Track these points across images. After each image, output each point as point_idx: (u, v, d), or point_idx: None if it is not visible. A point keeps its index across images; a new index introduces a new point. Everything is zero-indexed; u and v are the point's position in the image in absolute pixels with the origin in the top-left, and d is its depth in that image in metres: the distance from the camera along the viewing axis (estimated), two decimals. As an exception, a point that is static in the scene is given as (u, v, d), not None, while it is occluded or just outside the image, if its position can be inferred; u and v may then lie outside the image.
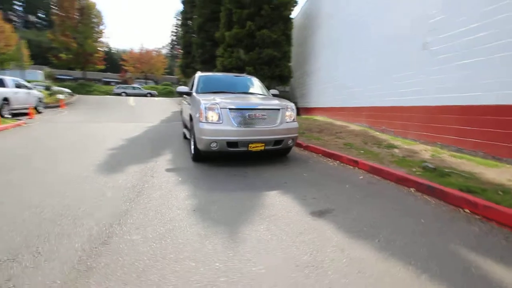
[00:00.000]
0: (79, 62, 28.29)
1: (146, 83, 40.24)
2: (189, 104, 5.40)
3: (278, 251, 1.88)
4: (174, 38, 69.60)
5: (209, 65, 14.96)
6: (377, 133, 6.85)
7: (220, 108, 4.00)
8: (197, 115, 4.15)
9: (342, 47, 9.04)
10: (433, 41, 5.21)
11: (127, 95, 26.59)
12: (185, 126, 6.56)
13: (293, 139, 4.45)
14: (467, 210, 2.57)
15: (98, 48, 29.68)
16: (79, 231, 2.10)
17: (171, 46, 68.76)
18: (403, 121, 6.08)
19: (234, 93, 5.11)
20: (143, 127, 9.03)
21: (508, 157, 3.76)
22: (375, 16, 7.19)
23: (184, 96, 6.47)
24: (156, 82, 42.00)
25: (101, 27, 29.21)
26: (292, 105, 4.52)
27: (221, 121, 3.98)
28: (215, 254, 1.83)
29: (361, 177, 3.74)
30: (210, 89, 5.13)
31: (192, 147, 4.64)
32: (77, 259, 1.75)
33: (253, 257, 1.80)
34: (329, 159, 4.83)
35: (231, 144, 3.99)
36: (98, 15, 28.45)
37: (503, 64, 3.90)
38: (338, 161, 4.65)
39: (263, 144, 4.11)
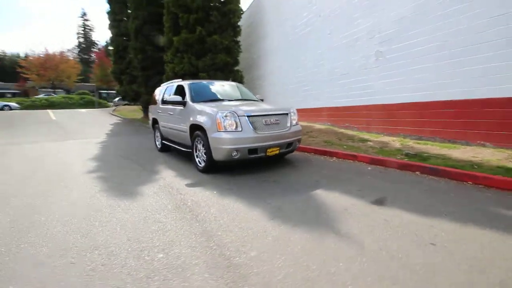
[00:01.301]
0: (-43, 70, 21.95)
1: (55, 93, 34.19)
2: (179, 115, 5.09)
3: (392, 237, 2.12)
4: (83, 40, 61.60)
5: (151, 71, 13.91)
6: (342, 130, 7.76)
7: (238, 116, 3.98)
8: (211, 125, 4.01)
9: (296, 53, 9.82)
10: (386, 51, 6.30)
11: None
12: (165, 138, 6.10)
13: (299, 140, 4.74)
14: (470, 182, 3.34)
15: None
16: (193, 263, 1.88)
17: (79, 49, 60.51)
18: (365, 118, 7.10)
19: (232, 100, 5.08)
20: (94, 144, 7.87)
21: (461, 139, 4.92)
22: (328, 27, 8.13)
23: (161, 106, 6.05)
24: (68, 91, 36.14)
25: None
26: (294, 109, 4.79)
27: (240, 129, 3.96)
28: (344, 253, 1.94)
29: (369, 168, 4.30)
30: (206, 97, 4.96)
31: (199, 159, 4.46)
32: None
33: (382, 247, 1.99)
34: (325, 156, 5.31)
35: (251, 151, 4.00)
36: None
37: (448, 69, 5.08)
38: (335, 157, 5.16)
39: (278, 148, 4.26)
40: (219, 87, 5.54)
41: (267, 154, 4.15)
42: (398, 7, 5.96)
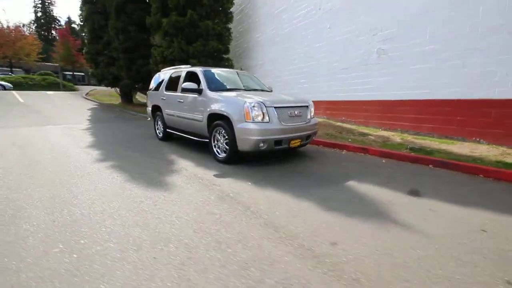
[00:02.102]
0: None
1: (12, 72, 30.72)
2: (192, 103, 4.91)
3: (446, 225, 2.30)
4: (41, 15, 55.54)
5: (134, 54, 13.08)
6: (339, 123, 8.04)
7: (266, 107, 3.94)
8: (239, 115, 3.93)
9: (292, 44, 9.80)
10: (389, 49, 6.58)
11: None
12: (170, 127, 5.86)
13: (315, 133, 4.84)
14: (481, 175, 3.69)
15: None
16: (279, 254, 1.89)
17: (37, 24, 54.58)
18: (363, 113, 7.41)
19: (249, 90, 5.01)
20: (79, 131, 7.33)
21: (458, 136, 5.38)
22: (328, 21, 8.23)
23: (166, 93, 5.78)
24: (28, 71, 32.68)
25: None
26: (311, 102, 4.86)
27: (267, 120, 3.94)
28: (414, 240, 2.08)
29: (384, 161, 4.55)
30: (222, 86, 4.84)
31: (217, 149, 4.39)
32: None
33: (443, 234, 2.15)
34: (335, 149, 5.49)
35: (277, 142, 4.02)
36: None
37: (448, 70, 5.47)
38: (345, 150, 5.36)
39: (300, 140, 4.33)
40: (231, 75, 5.40)
41: (290, 145, 4.20)
42: (400, 8, 6.22)
